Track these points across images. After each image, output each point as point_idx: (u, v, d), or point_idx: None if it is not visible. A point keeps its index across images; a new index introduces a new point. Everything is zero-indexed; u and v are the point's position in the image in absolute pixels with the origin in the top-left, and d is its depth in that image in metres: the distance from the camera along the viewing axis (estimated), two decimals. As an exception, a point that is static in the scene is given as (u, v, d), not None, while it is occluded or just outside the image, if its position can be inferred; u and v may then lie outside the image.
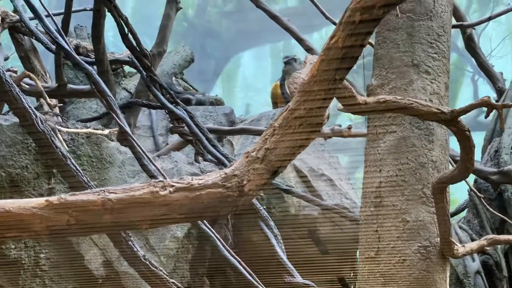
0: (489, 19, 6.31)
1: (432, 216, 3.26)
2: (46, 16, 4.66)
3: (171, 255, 4.71)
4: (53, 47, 4.87)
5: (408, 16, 3.46)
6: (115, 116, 4.01)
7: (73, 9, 5.95)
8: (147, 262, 3.68)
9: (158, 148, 6.21)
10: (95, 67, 5.87)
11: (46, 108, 5.00)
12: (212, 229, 4.27)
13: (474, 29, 6.32)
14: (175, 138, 5.75)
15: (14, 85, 3.52)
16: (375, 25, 1.92)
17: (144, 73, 5.17)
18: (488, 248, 5.23)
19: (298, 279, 4.66)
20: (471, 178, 6.16)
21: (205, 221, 4.11)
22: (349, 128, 5.39)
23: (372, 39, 3.77)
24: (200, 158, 5.21)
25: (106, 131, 4.63)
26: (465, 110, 2.72)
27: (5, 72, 3.62)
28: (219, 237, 4.24)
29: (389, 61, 3.46)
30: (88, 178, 3.80)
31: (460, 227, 6.10)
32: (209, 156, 5.04)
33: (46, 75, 6.09)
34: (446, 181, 3.00)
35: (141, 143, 6.28)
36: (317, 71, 2.00)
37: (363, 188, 3.43)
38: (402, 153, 3.33)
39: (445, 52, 3.47)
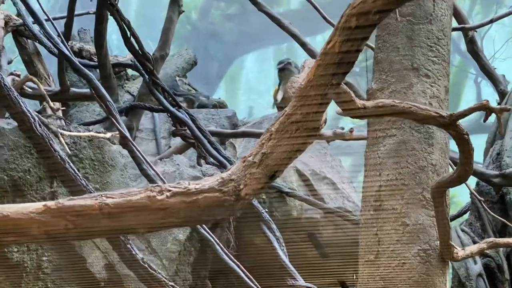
0: (491, 21, 6.32)
1: (432, 219, 3.26)
2: (46, 20, 4.67)
3: (173, 258, 4.72)
4: (56, 51, 4.90)
5: (408, 20, 3.46)
6: (114, 121, 4.03)
7: (76, 12, 5.98)
8: (146, 265, 3.69)
9: (160, 151, 6.22)
10: (97, 70, 5.92)
11: (49, 111, 5.03)
12: (210, 233, 4.28)
13: (476, 31, 6.32)
14: (177, 141, 5.76)
15: (12, 88, 3.54)
16: (371, 31, 1.94)
17: (147, 76, 5.20)
18: (488, 251, 5.23)
19: (301, 282, 4.66)
20: (473, 180, 6.16)
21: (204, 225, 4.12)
22: (351, 131, 5.39)
23: (372, 43, 3.79)
24: (202, 161, 5.22)
25: (108, 135, 4.65)
26: (463, 114, 2.73)
27: (3, 76, 3.63)
28: (217, 240, 4.25)
29: (389, 64, 3.47)
30: (86, 182, 3.82)
31: (462, 230, 6.10)
32: (211, 159, 5.06)
33: (49, 79, 6.11)
34: (445, 185, 3.01)
35: (144, 146, 6.33)
36: (313, 76, 2.01)
37: (362, 192, 3.44)
38: (402, 156, 3.34)
39: (445, 55, 3.48)
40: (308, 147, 6.03)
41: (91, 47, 6.87)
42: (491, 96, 7.13)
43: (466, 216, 6.54)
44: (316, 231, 5.44)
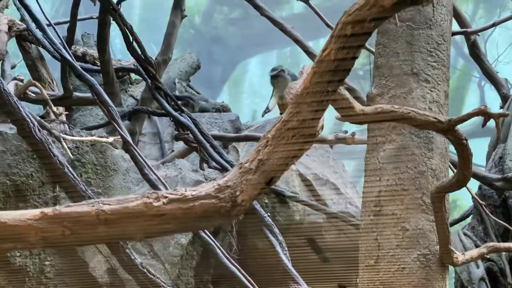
0: (493, 25, 6.32)
1: (432, 224, 3.27)
2: (48, 25, 4.69)
3: (175, 262, 4.73)
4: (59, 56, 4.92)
5: (408, 25, 3.47)
6: (116, 126, 4.05)
7: (79, 17, 6.01)
8: (145, 270, 3.70)
9: (165, 155, 6.23)
10: (101, 75, 5.94)
11: (52, 116, 5.05)
12: (211, 237, 4.29)
13: (479, 35, 6.32)
14: (180, 145, 5.77)
15: (12, 94, 3.56)
16: (367, 38, 1.94)
17: (149, 81, 5.21)
18: (489, 255, 5.22)
19: (303, 286, 4.67)
20: (476, 184, 6.16)
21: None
22: (353, 135, 5.39)
23: (372, 48, 3.79)
24: (205, 165, 5.23)
25: (111, 139, 4.66)
26: (462, 119, 2.73)
27: (3, 81, 3.65)
28: (218, 244, 4.26)
29: (389, 69, 3.47)
30: (86, 187, 3.84)
31: (465, 234, 6.09)
32: (214, 163, 5.07)
33: (53, 83, 6.14)
34: (444, 190, 3.01)
35: (147, 150, 6.34)
36: (309, 83, 2.02)
37: (362, 197, 3.45)
38: (402, 161, 3.35)
39: (445, 60, 3.48)
40: (310, 151, 6.02)
41: (94, 52, 6.89)
42: (494, 100, 7.12)
43: (468, 219, 6.53)
44: (317, 235, 5.45)
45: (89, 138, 4.55)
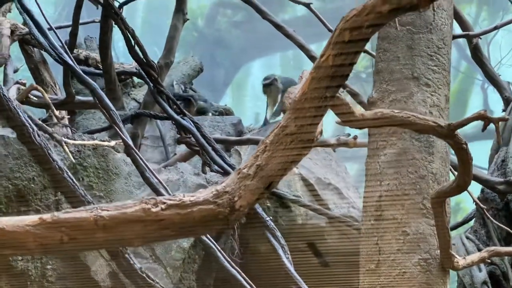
0: (495, 28, 6.32)
1: (432, 228, 3.26)
2: (49, 29, 4.70)
3: (177, 265, 4.74)
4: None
5: (408, 29, 3.47)
6: (118, 130, 4.06)
7: (82, 20, 6.02)
8: (144, 275, 3.71)
9: (168, 158, 6.23)
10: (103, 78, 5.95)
11: (55, 119, 5.06)
12: (212, 240, 4.29)
13: (481, 38, 6.31)
14: (182, 149, 5.78)
15: (12, 99, 3.57)
16: (364, 44, 1.95)
17: (151, 84, 5.22)
18: (489, 260, 5.21)
19: (306, 290, 4.67)
20: (478, 187, 6.15)
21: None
22: (355, 138, 5.39)
23: (373, 52, 3.79)
24: (207, 169, 5.23)
25: (113, 143, 4.67)
26: (461, 124, 2.73)
27: (3, 87, 3.66)
28: (219, 248, 4.26)
29: (389, 73, 3.47)
30: (85, 191, 3.84)
31: (467, 237, 6.09)
32: (216, 167, 5.07)
33: (55, 87, 6.14)
34: (444, 195, 3.01)
35: (149, 153, 6.35)
36: (308, 89, 2.02)
37: (363, 201, 3.45)
38: (403, 165, 3.34)
39: (445, 64, 3.48)
40: (313, 154, 6.02)
41: (97, 55, 6.90)
42: (497, 102, 7.11)
43: (471, 222, 6.52)
44: (320, 239, 5.44)
45: (91, 142, 4.56)
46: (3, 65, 5.67)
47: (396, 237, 3.29)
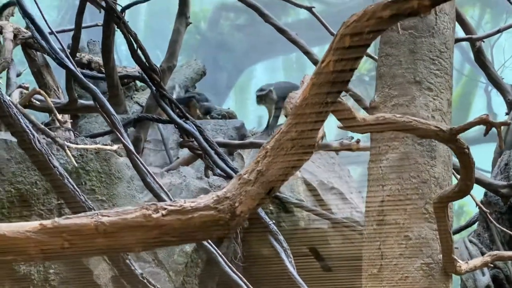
0: (498, 31, 6.31)
1: (435, 232, 3.26)
2: (50, 33, 4.70)
3: (179, 269, 4.73)
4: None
5: (410, 33, 3.47)
6: (119, 135, 4.06)
7: (85, 24, 6.02)
8: (145, 281, 3.71)
9: (171, 162, 6.23)
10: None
11: (58, 123, 5.07)
12: (213, 245, 4.28)
13: (484, 41, 6.31)
14: (185, 152, 5.78)
15: (12, 105, 3.57)
16: (365, 50, 1.94)
17: (154, 88, 5.22)
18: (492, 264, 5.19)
19: (308, 294, 4.66)
20: (481, 191, 6.14)
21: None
22: (358, 142, 5.39)
23: (375, 55, 3.79)
24: (210, 172, 5.23)
25: (115, 147, 4.67)
26: (463, 128, 2.73)
27: (3, 93, 3.67)
28: (220, 252, 4.26)
29: (392, 78, 3.47)
30: (85, 197, 3.84)
31: (470, 241, 6.07)
32: (219, 171, 5.06)
33: (58, 91, 6.16)
34: (446, 199, 3.01)
35: (152, 157, 6.35)
36: (308, 94, 2.02)
37: (366, 206, 3.44)
38: (405, 170, 3.34)
39: (448, 68, 3.48)
40: (315, 158, 6.00)
41: (100, 59, 6.90)
42: (501, 105, 7.09)
43: (475, 226, 6.50)
44: (322, 242, 5.43)
45: (94, 146, 4.56)
46: (6, 69, 5.68)
47: (398, 241, 3.29)
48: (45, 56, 5.94)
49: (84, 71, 6.35)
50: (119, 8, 5.24)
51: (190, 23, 6.04)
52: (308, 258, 5.36)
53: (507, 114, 6.61)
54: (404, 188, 3.33)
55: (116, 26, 5.30)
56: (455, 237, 5.84)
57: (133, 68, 6.83)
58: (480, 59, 6.36)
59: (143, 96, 7.23)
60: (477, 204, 5.59)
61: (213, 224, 2.02)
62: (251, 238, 5.12)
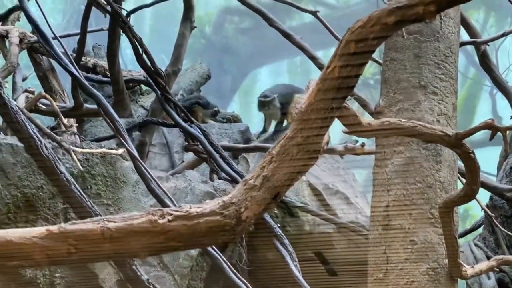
0: (503, 35, 6.31)
1: (440, 237, 3.26)
2: (53, 38, 4.71)
3: (185, 273, 4.74)
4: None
5: (415, 37, 3.47)
6: (122, 140, 4.07)
7: (90, 28, 6.04)
8: (151, 287, 3.71)
9: (175, 166, 6.24)
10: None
11: (63, 127, 5.09)
12: (217, 250, 4.28)
13: (489, 45, 6.30)
14: (190, 156, 5.79)
15: (19, 111, 3.59)
16: (370, 56, 1.95)
17: (159, 92, 5.24)
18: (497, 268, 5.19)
19: (314, 298, 4.66)
20: (487, 195, 6.13)
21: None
22: (363, 145, 5.38)
23: (380, 59, 3.79)
24: (215, 176, 5.24)
25: (120, 151, 4.68)
26: (469, 133, 2.73)
27: (10, 99, 3.68)
28: (224, 258, 4.26)
29: (396, 82, 3.47)
30: (92, 203, 3.85)
31: (476, 245, 6.06)
32: (224, 174, 5.07)
33: (64, 95, 6.17)
34: (452, 204, 3.01)
35: (157, 161, 6.35)
36: (314, 100, 2.03)
37: (371, 210, 3.44)
38: (410, 174, 3.34)
39: (453, 72, 3.48)
40: (320, 161, 6.01)
41: (105, 63, 6.92)
42: (506, 109, 7.08)
43: (480, 230, 6.49)
44: (328, 246, 5.43)
45: (99, 150, 4.57)
46: (12, 73, 5.70)
47: (404, 246, 3.29)
48: (51, 60, 5.96)
49: (89, 75, 6.37)
50: (124, 13, 5.25)
51: (195, 27, 6.05)
52: (313, 262, 5.36)
53: (511, 117, 6.60)
54: (409, 192, 3.33)
55: (121, 31, 5.32)
56: (461, 241, 5.83)
57: (138, 72, 6.85)
58: (485, 63, 6.35)
59: (148, 100, 7.24)
60: (482, 208, 5.58)
61: (219, 230, 2.03)
62: (256, 242, 5.12)
